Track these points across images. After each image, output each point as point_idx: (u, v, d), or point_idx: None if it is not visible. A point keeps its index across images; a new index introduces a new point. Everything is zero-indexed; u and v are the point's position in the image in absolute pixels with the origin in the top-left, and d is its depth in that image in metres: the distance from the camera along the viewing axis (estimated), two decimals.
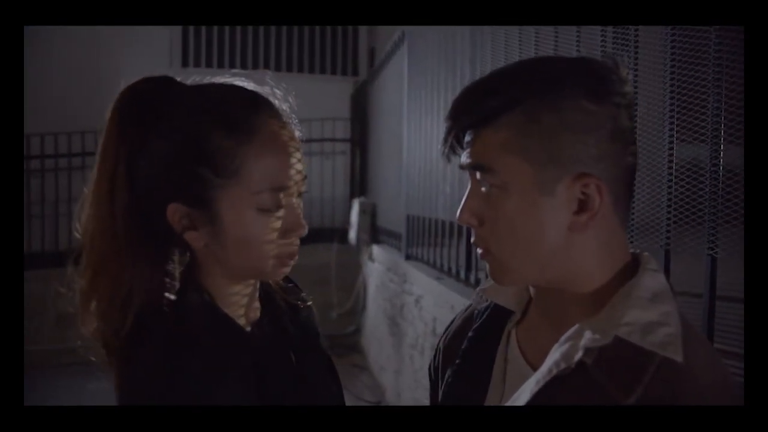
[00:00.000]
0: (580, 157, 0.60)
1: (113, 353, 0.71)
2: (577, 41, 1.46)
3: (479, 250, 0.65)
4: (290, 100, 0.78)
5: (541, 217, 0.61)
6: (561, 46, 1.53)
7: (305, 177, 0.75)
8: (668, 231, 1.23)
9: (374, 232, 4.65)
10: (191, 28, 5.64)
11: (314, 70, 5.88)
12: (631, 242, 1.29)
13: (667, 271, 1.24)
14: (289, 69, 5.82)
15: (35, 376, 4.27)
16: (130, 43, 5.38)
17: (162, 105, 0.71)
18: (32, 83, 5.15)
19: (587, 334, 0.59)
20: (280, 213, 0.72)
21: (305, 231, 0.74)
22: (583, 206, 0.61)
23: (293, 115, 0.77)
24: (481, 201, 0.63)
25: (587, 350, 0.58)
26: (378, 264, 4.39)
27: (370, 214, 4.71)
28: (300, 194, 0.75)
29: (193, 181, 0.70)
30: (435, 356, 0.79)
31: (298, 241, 0.75)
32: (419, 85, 3.20)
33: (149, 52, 5.44)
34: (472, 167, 0.63)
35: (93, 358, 0.73)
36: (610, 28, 1.34)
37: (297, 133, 0.76)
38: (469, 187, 0.65)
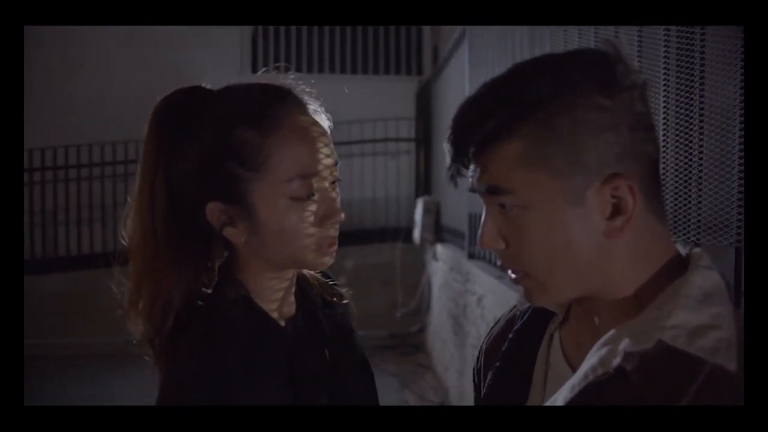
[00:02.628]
0: (605, 157, 0.55)
1: (157, 351, 0.75)
2: (639, 41, 1.39)
3: (512, 275, 0.61)
4: (314, 92, 0.79)
5: (572, 230, 0.57)
6: (621, 37, 1.47)
7: (336, 163, 0.76)
8: (739, 227, 1.16)
9: (438, 231, 4.63)
10: (260, 34, 5.82)
11: (379, 71, 5.93)
12: (698, 242, 1.22)
13: (737, 270, 1.16)
14: (354, 71, 5.89)
15: (109, 366, 4.53)
16: (201, 50, 5.62)
17: (192, 111, 0.74)
18: (100, 94, 5.48)
19: (627, 338, 0.54)
20: (314, 200, 0.73)
21: (342, 217, 0.75)
22: (616, 210, 0.56)
23: (320, 106, 0.79)
24: (502, 222, 0.59)
25: (627, 355, 0.53)
26: (442, 263, 4.36)
27: (434, 212, 4.69)
28: (334, 182, 0.76)
29: (225, 178, 0.72)
30: (478, 358, 0.77)
31: (337, 228, 0.76)
32: (480, 81, 3.16)
33: (220, 58, 5.66)
34: (486, 190, 0.58)
35: (147, 357, 0.77)
36: (673, 28, 1.27)
37: (325, 123, 0.77)
38: (484, 209, 0.61)
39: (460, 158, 0.59)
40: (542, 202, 0.57)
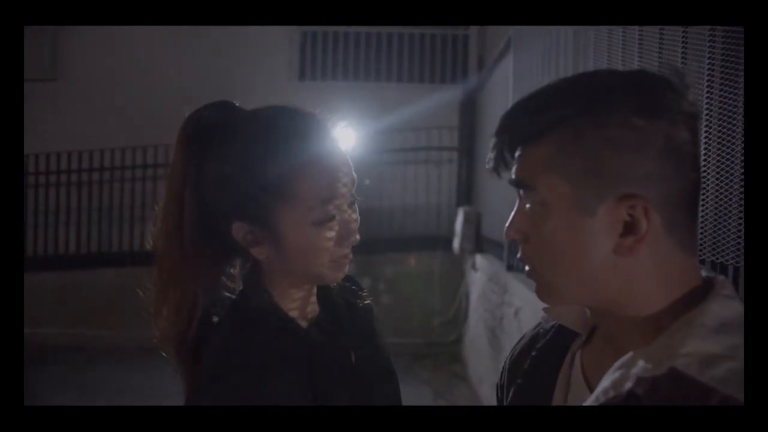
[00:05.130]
0: (626, 176, 0.57)
1: (181, 355, 0.78)
2: (684, 43, 1.36)
3: (526, 268, 0.64)
4: (335, 118, 0.83)
5: (582, 239, 0.58)
6: (666, 47, 1.44)
7: (354, 182, 0.80)
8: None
9: (478, 241, 4.60)
10: (308, 41, 5.93)
11: (424, 80, 5.96)
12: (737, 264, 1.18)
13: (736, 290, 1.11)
14: (400, 79, 5.94)
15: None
16: (249, 60, 5.76)
17: (222, 129, 0.78)
18: (142, 97, 5.66)
19: (641, 363, 0.55)
20: (335, 223, 0.77)
21: (357, 239, 0.80)
22: (629, 229, 0.57)
23: (342, 128, 0.83)
24: (526, 218, 0.62)
25: (639, 380, 0.54)
26: (480, 273, 4.34)
27: (474, 222, 4.68)
28: (353, 202, 0.80)
29: (253, 203, 0.77)
30: (501, 375, 0.78)
31: (350, 247, 0.80)
32: (524, 92, 3.14)
33: (268, 67, 5.79)
34: (515, 184, 0.62)
35: (170, 359, 0.80)
36: (719, 29, 1.24)
37: (345, 146, 0.81)
38: (516, 203, 0.64)
39: (500, 151, 0.63)
40: (557, 204, 0.59)
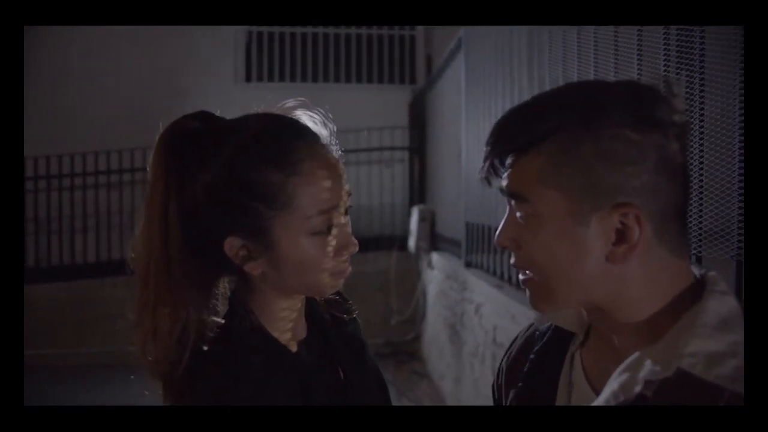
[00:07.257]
0: (620, 187, 0.58)
1: (170, 382, 0.73)
2: (639, 41, 1.41)
3: (521, 276, 0.65)
4: (328, 123, 0.80)
5: (575, 248, 0.59)
6: (621, 47, 1.49)
7: (350, 193, 0.77)
8: (740, 240, 1.16)
9: (433, 240, 4.65)
10: (254, 42, 5.83)
11: (372, 80, 5.96)
12: (699, 254, 1.23)
13: (738, 286, 1.18)
14: (348, 80, 5.92)
15: (105, 375, 4.50)
16: (195, 62, 5.61)
17: (205, 140, 0.73)
18: (88, 102, 5.45)
19: (647, 365, 0.56)
20: (333, 233, 0.74)
21: (356, 248, 0.77)
22: (621, 237, 0.58)
23: (333, 134, 0.80)
24: (518, 226, 0.63)
25: (647, 383, 0.55)
26: (437, 271, 4.38)
27: (429, 221, 4.72)
28: (347, 210, 0.77)
29: (247, 215, 0.72)
30: (498, 376, 0.79)
31: (349, 257, 0.78)
32: (477, 92, 3.19)
33: (214, 69, 5.66)
34: (508, 194, 0.63)
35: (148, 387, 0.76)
36: (673, 33, 1.29)
37: (338, 153, 0.78)
38: (507, 210, 0.64)
39: (492, 162, 0.63)
40: (552, 215, 0.60)
